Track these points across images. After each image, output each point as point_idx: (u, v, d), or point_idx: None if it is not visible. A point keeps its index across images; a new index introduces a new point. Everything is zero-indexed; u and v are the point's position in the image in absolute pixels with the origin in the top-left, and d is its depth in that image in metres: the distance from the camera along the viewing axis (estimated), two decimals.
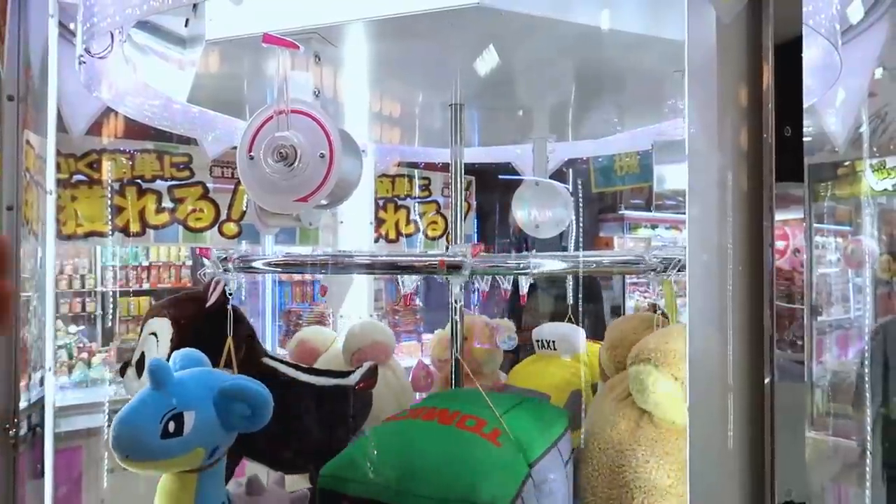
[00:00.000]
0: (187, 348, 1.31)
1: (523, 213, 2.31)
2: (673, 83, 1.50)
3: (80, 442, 4.08)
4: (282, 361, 1.67)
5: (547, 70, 1.59)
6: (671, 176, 1.56)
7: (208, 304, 1.46)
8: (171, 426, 1.11)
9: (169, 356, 1.34)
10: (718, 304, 0.82)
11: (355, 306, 2.60)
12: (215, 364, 1.42)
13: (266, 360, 1.60)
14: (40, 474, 1.44)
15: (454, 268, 1.33)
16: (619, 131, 2.30)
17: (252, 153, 1.22)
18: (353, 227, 3.06)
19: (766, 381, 0.80)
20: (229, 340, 1.45)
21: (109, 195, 4.24)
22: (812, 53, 1.39)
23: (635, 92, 1.85)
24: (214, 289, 1.47)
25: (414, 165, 5.59)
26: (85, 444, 4.11)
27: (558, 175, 2.43)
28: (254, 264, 1.49)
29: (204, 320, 1.46)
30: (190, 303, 1.50)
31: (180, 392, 1.14)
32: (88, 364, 4.45)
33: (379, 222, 5.49)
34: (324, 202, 1.28)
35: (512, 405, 1.35)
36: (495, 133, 2.40)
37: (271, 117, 1.21)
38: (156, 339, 1.44)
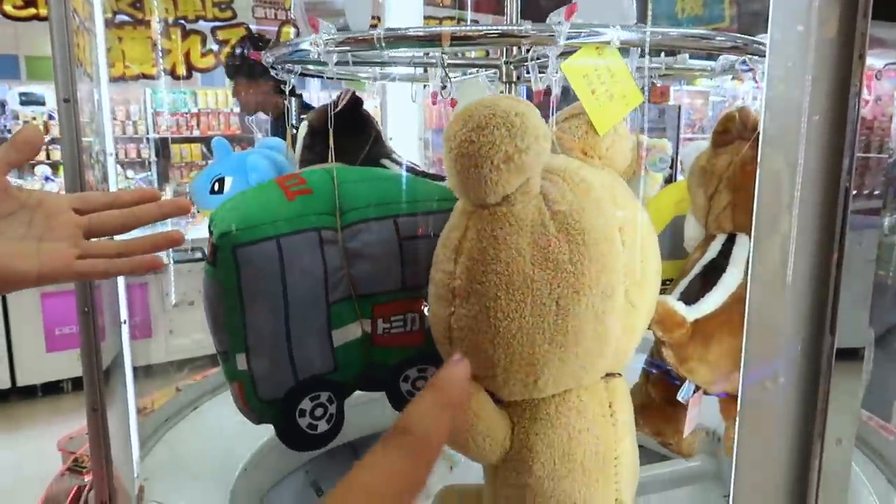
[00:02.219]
0: (275, 138, 1.75)
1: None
2: None
3: (146, 279, 4.36)
4: (400, 164, 1.87)
5: None
6: None
7: (337, 110, 1.70)
8: (216, 186, 1.53)
9: (304, 149, 1.67)
10: (794, 140, 0.77)
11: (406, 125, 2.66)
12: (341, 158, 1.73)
13: (384, 161, 1.80)
14: (116, 307, 1.56)
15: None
16: None
17: None
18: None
19: (838, 226, 0.78)
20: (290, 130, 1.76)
21: (157, 36, 4.18)
22: None
23: None
24: (344, 97, 1.74)
25: (462, 7, 5.28)
26: (152, 281, 4.40)
27: None
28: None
29: (332, 122, 1.68)
30: (324, 110, 1.75)
31: (228, 163, 1.55)
32: None
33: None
34: None
35: (377, 177, 1.43)
36: None
37: None
38: (299, 136, 1.80)
